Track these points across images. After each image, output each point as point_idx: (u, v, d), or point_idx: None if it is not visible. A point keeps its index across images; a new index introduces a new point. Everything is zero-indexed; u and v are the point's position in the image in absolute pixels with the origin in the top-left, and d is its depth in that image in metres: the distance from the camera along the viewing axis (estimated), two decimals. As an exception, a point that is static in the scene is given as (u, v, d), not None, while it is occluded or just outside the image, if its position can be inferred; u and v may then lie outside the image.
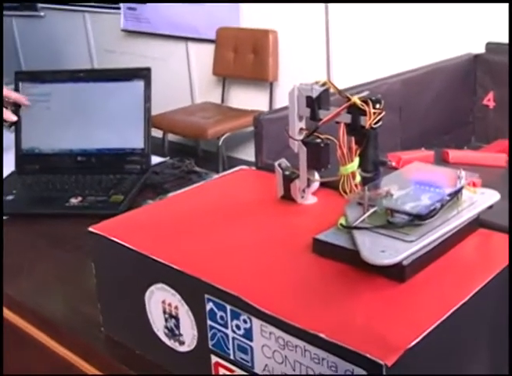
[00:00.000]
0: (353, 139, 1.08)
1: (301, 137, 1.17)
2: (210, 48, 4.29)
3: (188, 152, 4.43)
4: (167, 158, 2.12)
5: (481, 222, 1.13)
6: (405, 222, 1.02)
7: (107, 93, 1.98)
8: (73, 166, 1.98)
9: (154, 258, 1.06)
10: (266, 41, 3.95)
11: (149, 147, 1.95)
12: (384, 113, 1.06)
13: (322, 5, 3.69)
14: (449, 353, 0.92)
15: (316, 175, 1.20)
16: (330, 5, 3.66)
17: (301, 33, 3.88)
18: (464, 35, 3.02)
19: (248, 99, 4.16)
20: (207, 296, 0.99)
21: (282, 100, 2.83)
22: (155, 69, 4.85)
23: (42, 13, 5.50)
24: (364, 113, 1.06)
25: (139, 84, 1.95)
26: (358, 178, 1.08)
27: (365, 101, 1.06)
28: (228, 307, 0.96)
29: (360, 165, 1.11)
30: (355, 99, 1.06)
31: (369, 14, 3.52)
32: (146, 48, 4.82)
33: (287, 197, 1.23)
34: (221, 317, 0.98)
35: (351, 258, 0.99)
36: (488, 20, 3.06)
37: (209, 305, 0.99)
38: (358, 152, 1.08)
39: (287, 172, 1.22)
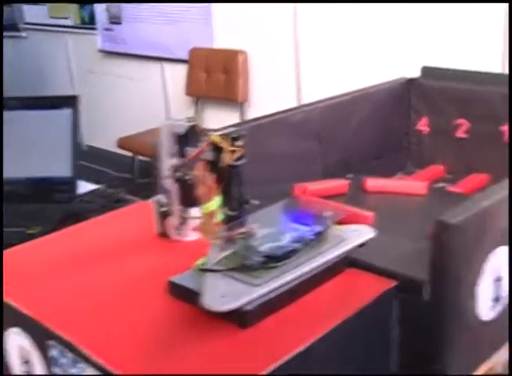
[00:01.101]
0: (214, 177, 1.04)
1: (175, 174, 1.14)
2: (185, 68, 4.27)
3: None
4: (101, 186, 2.09)
5: (354, 261, 1.10)
6: (258, 264, 0.99)
7: (35, 121, 1.97)
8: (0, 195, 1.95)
9: (9, 302, 1.03)
10: (236, 61, 3.93)
11: (77, 176, 1.93)
12: (244, 150, 1.03)
13: (291, 24, 3.67)
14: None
15: (193, 212, 1.17)
16: (299, 24, 3.64)
17: (270, 53, 3.86)
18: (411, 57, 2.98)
19: (221, 119, 4.12)
20: (50, 342, 0.96)
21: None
22: (132, 89, 4.85)
23: (24, 34, 5.50)
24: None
25: (67, 113, 1.93)
26: (219, 217, 1.05)
27: (223, 138, 1.03)
28: (68, 354, 0.94)
29: (226, 203, 1.07)
30: (214, 136, 1.03)
31: (336, 34, 3.49)
32: (123, 69, 4.81)
33: (164, 233, 1.21)
34: (63, 364, 0.95)
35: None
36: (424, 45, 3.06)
37: (52, 352, 0.97)
38: (219, 190, 1.05)
39: (164, 209, 1.19)
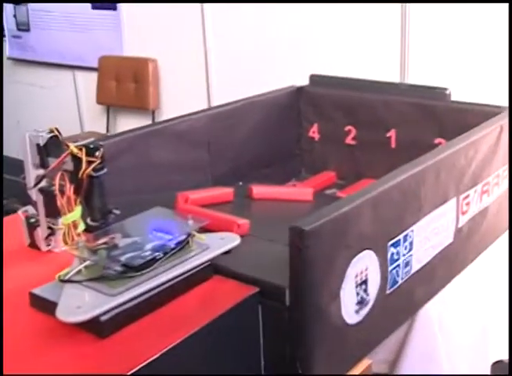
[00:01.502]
0: (73, 187, 1.04)
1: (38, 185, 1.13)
2: (96, 76, 4.23)
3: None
4: (-6, 197, 2.05)
5: (221, 268, 1.12)
6: (116, 274, 0.99)
7: None
8: None
9: None
10: (146, 69, 3.92)
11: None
12: (100, 161, 1.03)
13: (200, 32, 3.68)
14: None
15: (61, 223, 1.16)
16: (208, 32, 3.65)
17: (180, 60, 3.85)
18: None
19: (133, 127, 4.09)
20: None
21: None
22: (44, 98, 4.76)
23: None
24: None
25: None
26: (81, 228, 1.05)
27: (81, 149, 1.02)
28: None
29: (88, 214, 1.07)
30: (72, 147, 1.03)
31: (242, 41, 3.52)
32: (34, 77, 4.73)
33: (35, 245, 1.19)
34: None
35: (60, 313, 0.96)
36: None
37: None
38: (80, 200, 1.05)
39: (32, 220, 1.18)
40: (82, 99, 4.57)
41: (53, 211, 1.14)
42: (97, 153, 1.03)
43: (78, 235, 1.05)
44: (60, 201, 1.03)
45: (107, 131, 4.31)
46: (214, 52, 3.74)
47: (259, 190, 1.68)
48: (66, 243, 1.05)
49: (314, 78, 2.02)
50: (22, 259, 1.18)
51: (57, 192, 1.03)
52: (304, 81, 2.05)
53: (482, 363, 1.73)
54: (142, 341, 0.94)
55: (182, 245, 1.06)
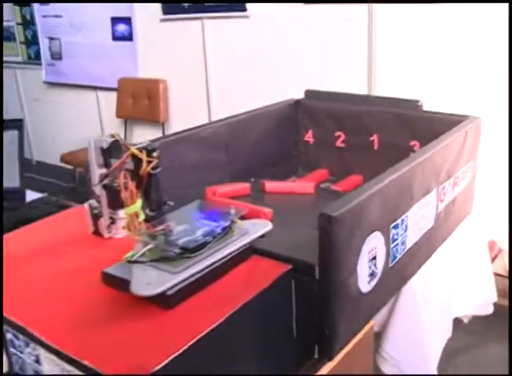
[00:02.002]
0: (134, 183, 0.99)
1: (102, 182, 1.07)
2: (116, 95, 4.16)
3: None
4: (45, 194, 1.98)
5: (256, 249, 1.07)
6: (175, 255, 0.94)
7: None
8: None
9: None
10: (157, 88, 3.86)
11: (24, 186, 1.83)
12: (158, 160, 0.98)
13: (202, 57, 3.64)
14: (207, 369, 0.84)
15: (121, 213, 1.10)
16: (209, 58, 3.61)
17: (186, 81, 3.80)
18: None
19: (146, 136, 4.04)
20: (5, 327, 0.89)
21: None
22: (73, 113, 4.67)
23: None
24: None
25: (14, 133, 1.83)
26: (141, 217, 0.99)
27: (141, 151, 0.97)
28: (21, 337, 0.87)
29: (146, 205, 1.02)
30: (133, 149, 0.97)
31: (240, 65, 3.48)
32: (65, 97, 4.65)
33: (98, 232, 1.14)
34: (19, 346, 0.88)
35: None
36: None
37: (8, 335, 0.89)
38: (140, 194, 0.99)
39: (96, 211, 1.13)
40: (104, 113, 4.50)
41: (113, 204, 1.09)
42: (154, 154, 0.98)
43: (139, 223, 0.99)
44: (124, 195, 0.98)
45: (125, 139, 4.24)
46: (213, 74, 3.70)
47: (271, 185, 1.64)
48: (129, 230, 0.99)
49: (308, 93, 1.98)
50: (88, 244, 1.13)
51: (122, 187, 0.97)
52: (298, 95, 2.01)
53: (447, 320, 1.72)
54: (202, 312, 0.89)
55: (227, 230, 1.01)
